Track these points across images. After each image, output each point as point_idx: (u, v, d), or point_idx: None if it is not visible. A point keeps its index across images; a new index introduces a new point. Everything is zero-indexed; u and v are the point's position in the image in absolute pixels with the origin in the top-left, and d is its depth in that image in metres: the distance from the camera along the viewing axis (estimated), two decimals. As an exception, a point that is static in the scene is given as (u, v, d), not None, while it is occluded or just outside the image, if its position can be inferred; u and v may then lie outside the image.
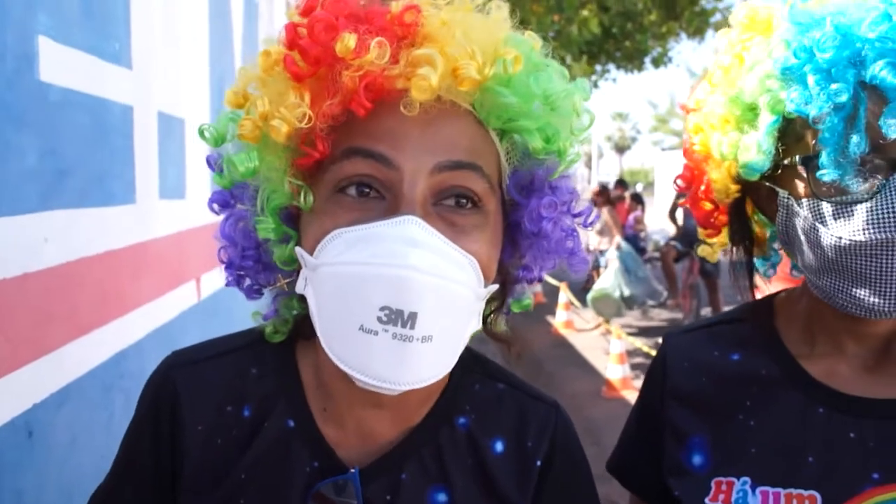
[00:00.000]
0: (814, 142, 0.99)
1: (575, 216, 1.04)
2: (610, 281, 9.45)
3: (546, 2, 10.66)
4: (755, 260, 1.27)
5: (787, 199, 1.07)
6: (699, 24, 14.00)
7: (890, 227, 0.94)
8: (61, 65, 1.69)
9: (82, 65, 1.82)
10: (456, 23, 0.89)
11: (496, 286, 0.97)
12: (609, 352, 7.78)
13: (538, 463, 1.09)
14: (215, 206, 1.04)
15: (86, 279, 1.84)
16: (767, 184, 1.10)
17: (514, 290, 1.11)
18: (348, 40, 0.83)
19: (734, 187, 1.15)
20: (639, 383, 7.40)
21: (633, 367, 8.07)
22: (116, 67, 2.03)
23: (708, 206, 1.23)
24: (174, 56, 2.58)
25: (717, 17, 14.29)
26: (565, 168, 1.01)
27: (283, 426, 1.03)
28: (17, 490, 1.52)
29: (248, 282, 1.06)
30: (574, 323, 10.51)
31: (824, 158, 0.96)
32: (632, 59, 14.71)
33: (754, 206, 1.19)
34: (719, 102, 1.11)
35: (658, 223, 15.89)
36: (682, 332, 1.33)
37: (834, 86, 0.94)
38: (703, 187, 1.21)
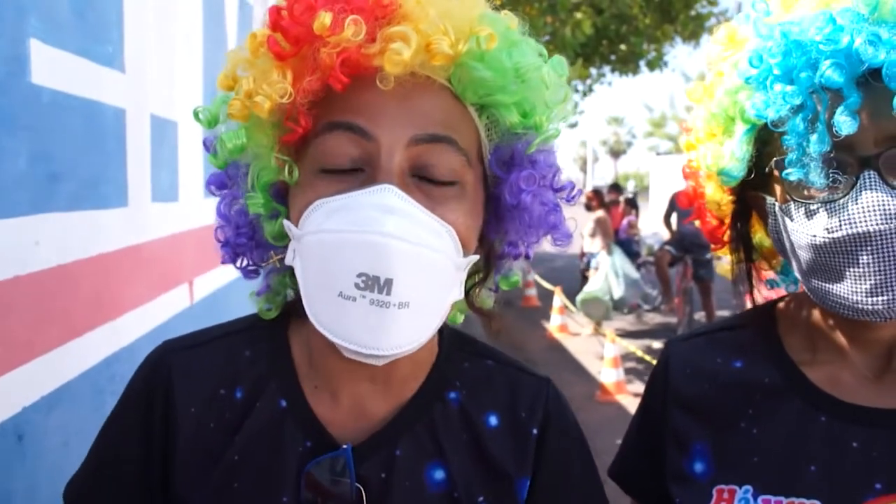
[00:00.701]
0: (781, 145, 1.02)
1: (556, 191, 1.07)
2: (599, 283, 9.48)
3: (539, 4, 10.68)
4: (777, 276, 1.29)
5: (773, 205, 1.09)
6: (694, 29, 14.02)
7: (862, 222, 0.96)
8: (53, 68, 1.68)
9: (75, 68, 1.81)
10: (432, 2, 0.93)
11: (476, 257, 1.00)
12: (603, 356, 7.80)
13: (534, 432, 1.10)
14: (212, 187, 1.09)
15: (78, 282, 1.83)
16: (761, 193, 1.12)
17: (501, 266, 1.14)
18: (324, 18, 0.87)
19: (727, 198, 1.20)
20: (633, 387, 7.45)
21: (627, 371, 8.09)
22: (109, 70, 2.03)
23: (713, 221, 1.27)
24: (168, 59, 2.58)
25: (713, 21, 14.31)
26: (542, 142, 1.03)
27: (275, 406, 1.04)
28: (6, 494, 1.52)
29: (243, 261, 1.09)
30: (568, 327, 10.53)
31: (789, 159, 1.00)
32: (627, 63, 14.73)
33: (759, 218, 1.21)
34: (702, 117, 1.16)
35: (652, 227, 15.91)
36: (685, 338, 1.34)
37: (788, 88, 0.99)
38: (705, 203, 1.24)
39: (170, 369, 1.06)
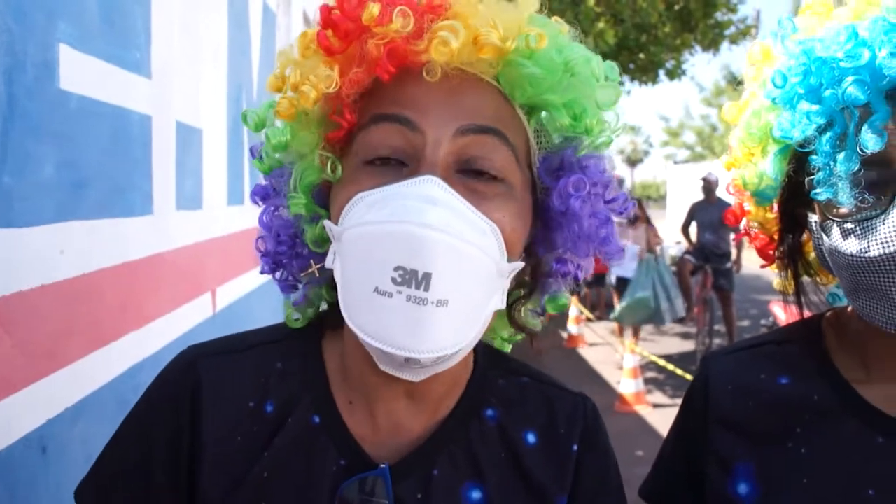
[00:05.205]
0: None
1: (607, 202, 1.03)
2: (649, 291, 9.23)
3: (562, 14, 10.63)
4: (834, 288, 1.24)
5: (815, 222, 1.06)
6: (714, 37, 13.97)
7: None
8: (81, 73, 1.66)
9: (102, 73, 1.79)
10: (482, 1, 0.92)
11: (521, 264, 0.96)
12: (622, 366, 7.74)
13: (574, 448, 1.07)
14: (257, 198, 1.07)
15: (102, 291, 1.81)
16: (805, 210, 1.09)
17: (548, 285, 1.09)
18: (373, 8, 0.87)
19: (770, 216, 1.17)
20: (652, 398, 7.38)
21: (647, 381, 8.03)
22: (136, 76, 2.01)
23: (762, 237, 1.24)
24: (193, 65, 2.57)
25: (732, 29, 14.26)
26: (593, 147, 1.01)
27: (307, 422, 1.00)
28: (30, 507, 1.49)
29: (282, 273, 1.06)
30: (585, 336, 10.46)
31: (817, 179, 0.97)
32: (646, 72, 14.66)
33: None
34: (738, 137, 1.14)
35: (672, 237, 15.81)
36: (724, 353, 1.28)
37: (813, 107, 0.97)
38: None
39: (198, 376, 1.01)
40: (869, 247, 0.94)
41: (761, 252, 1.26)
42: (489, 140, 0.91)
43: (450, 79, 0.90)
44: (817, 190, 0.97)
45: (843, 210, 0.97)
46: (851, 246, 0.97)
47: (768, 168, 1.06)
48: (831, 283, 1.23)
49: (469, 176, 0.91)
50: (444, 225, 0.82)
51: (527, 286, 1.06)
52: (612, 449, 1.13)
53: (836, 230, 1.00)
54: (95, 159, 1.77)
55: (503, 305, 0.94)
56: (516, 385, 1.11)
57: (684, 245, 10.46)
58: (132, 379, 1.98)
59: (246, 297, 3.22)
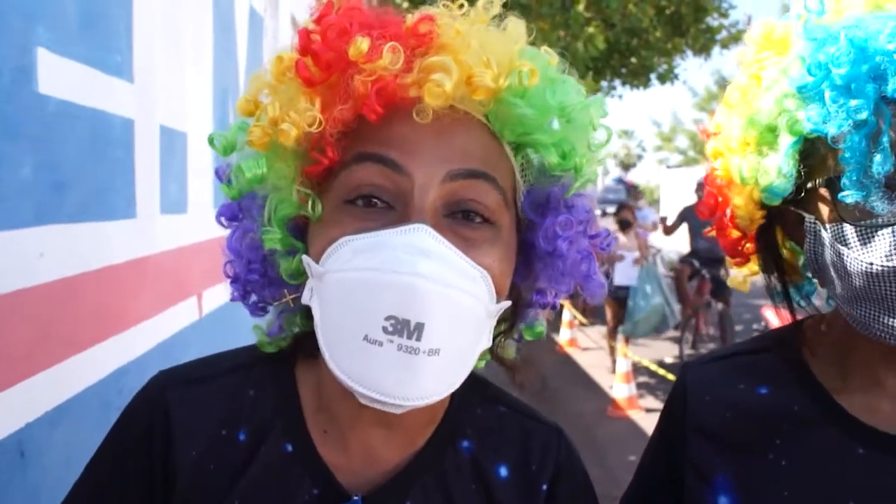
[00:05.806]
0: (835, 162, 0.93)
1: (591, 238, 1.01)
2: (660, 297, 9.07)
3: (552, 19, 10.68)
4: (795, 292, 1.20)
5: (814, 224, 1.01)
6: (705, 42, 14.00)
7: None
8: (60, 77, 1.66)
9: (82, 77, 1.79)
10: (471, 34, 0.88)
11: (508, 303, 0.94)
12: (614, 370, 7.73)
13: (544, 487, 1.06)
14: (223, 219, 1.02)
15: (84, 295, 1.80)
16: (794, 209, 1.04)
17: (527, 315, 1.07)
18: (361, 44, 0.83)
19: (759, 213, 1.10)
20: (645, 402, 7.35)
21: (639, 385, 8.02)
22: (118, 80, 2.00)
23: (735, 233, 1.17)
24: (177, 69, 2.56)
25: (723, 34, 14.29)
26: (581, 186, 0.98)
27: (280, 451, 0.98)
28: (8, 512, 1.48)
29: (253, 297, 1.03)
30: (578, 341, 10.45)
31: (846, 179, 0.91)
32: (637, 76, 14.70)
33: (783, 232, 1.13)
34: (737, 125, 1.06)
35: (670, 242, 15.82)
36: (704, 362, 1.26)
37: (853, 102, 0.90)
38: (728, 214, 1.15)
39: (168, 407, 0.99)
40: (892, 254, 0.90)
41: (732, 249, 1.21)
42: (479, 184, 0.89)
43: (439, 118, 0.86)
44: (846, 192, 0.91)
45: (863, 214, 0.92)
46: (872, 254, 0.92)
47: (783, 163, 0.99)
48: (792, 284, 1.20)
49: (457, 220, 0.89)
50: (436, 276, 0.80)
51: (508, 319, 1.05)
52: (586, 479, 1.13)
53: (852, 235, 0.94)
54: (76, 163, 1.77)
55: (490, 344, 0.93)
56: (494, 414, 1.10)
57: (682, 250, 10.35)
58: (116, 382, 1.98)
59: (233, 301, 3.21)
